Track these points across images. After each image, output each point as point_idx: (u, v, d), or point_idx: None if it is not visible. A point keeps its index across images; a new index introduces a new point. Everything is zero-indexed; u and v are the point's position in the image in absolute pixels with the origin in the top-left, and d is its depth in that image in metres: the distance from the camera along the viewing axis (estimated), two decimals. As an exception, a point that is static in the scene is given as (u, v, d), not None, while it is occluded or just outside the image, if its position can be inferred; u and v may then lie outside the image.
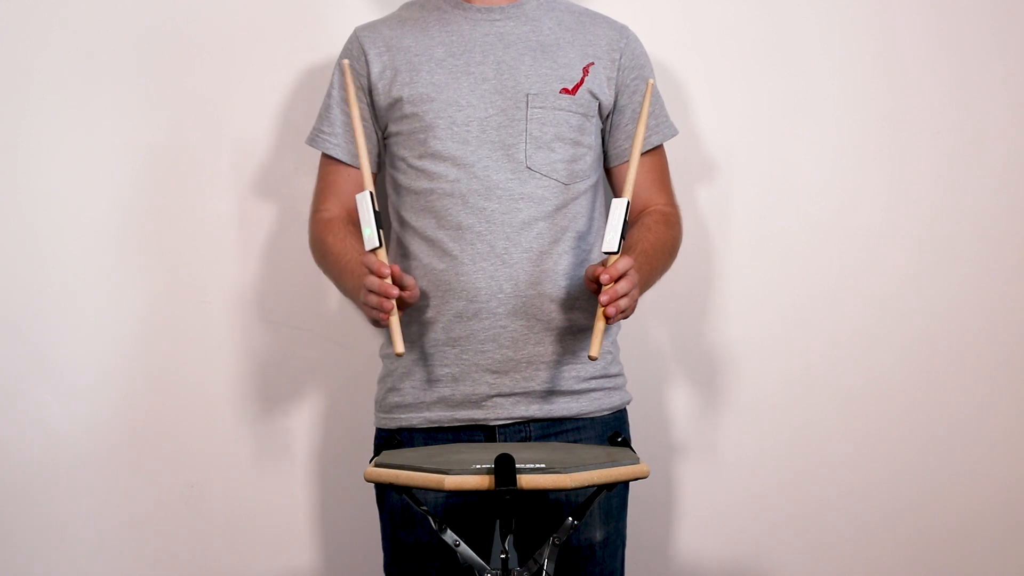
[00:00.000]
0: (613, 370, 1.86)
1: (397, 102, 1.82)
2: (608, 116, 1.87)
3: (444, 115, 1.79)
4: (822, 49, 2.13)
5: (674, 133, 1.94)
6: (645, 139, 1.87)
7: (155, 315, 2.08)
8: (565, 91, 1.81)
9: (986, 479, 2.15)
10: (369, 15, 1.99)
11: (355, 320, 2.06)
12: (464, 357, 1.77)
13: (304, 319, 2.09)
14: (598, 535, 1.81)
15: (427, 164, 1.80)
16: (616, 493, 1.82)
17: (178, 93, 2.07)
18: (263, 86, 2.07)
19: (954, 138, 2.14)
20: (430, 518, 1.53)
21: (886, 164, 2.14)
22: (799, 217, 2.13)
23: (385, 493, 1.83)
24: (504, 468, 1.42)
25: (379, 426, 1.87)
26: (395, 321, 1.65)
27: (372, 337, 2.07)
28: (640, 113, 1.76)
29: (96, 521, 2.08)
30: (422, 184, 1.80)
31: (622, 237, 1.67)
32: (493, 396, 1.77)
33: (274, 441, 2.10)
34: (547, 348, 1.78)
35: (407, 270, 1.80)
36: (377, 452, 1.79)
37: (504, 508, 1.46)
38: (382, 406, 1.86)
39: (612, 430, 1.82)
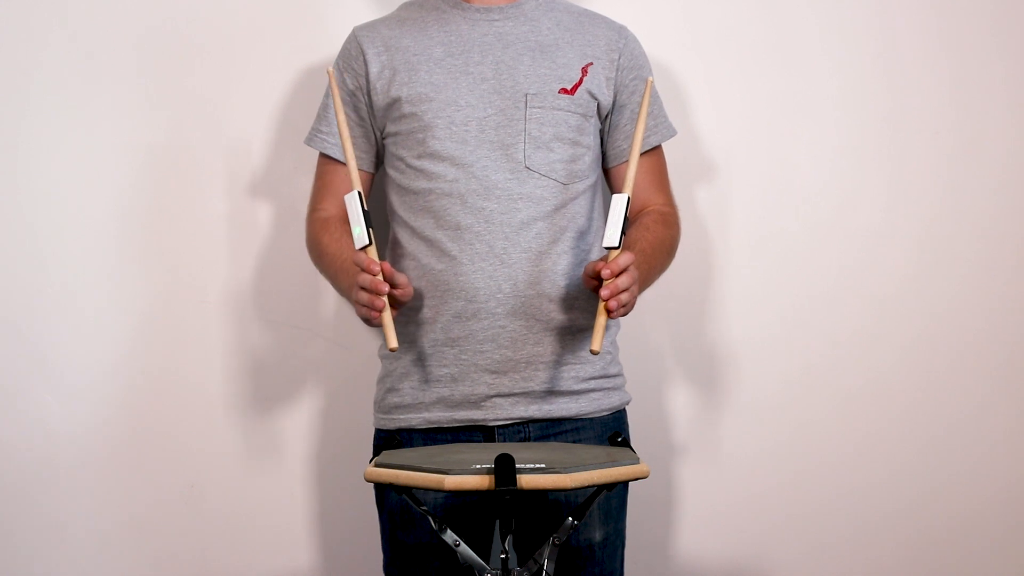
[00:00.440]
0: (612, 370, 1.86)
1: (395, 102, 1.82)
2: (607, 116, 1.87)
3: (443, 115, 1.79)
4: (822, 50, 2.13)
5: (673, 133, 1.94)
6: (644, 139, 1.87)
7: (155, 315, 2.08)
8: (564, 91, 1.81)
9: (986, 479, 2.15)
10: (368, 15, 1.99)
11: (354, 320, 2.05)
12: (463, 357, 1.77)
13: (304, 319, 2.09)
14: (598, 535, 1.81)
15: (426, 164, 1.80)
16: (616, 493, 1.81)
17: (178, 93, 2.07)
18: (263, 86, 2.07)
19: (954, 138, 2.14)
20: (430, 518, 1.53)
21: (885, 164, 2.14)
22: (798, 217, 2.13)
23: (385, 493, 1.83)
24: (504, 468, 1.42)
25: (378, 426, 1.87)
26: (387, 316, 1.65)
27: (371, 337, 2.07)
28: (639, 111, 1.76)
29: (96, 521, 2.08)
30: (421, 184, 1.80)
31: (623, 233, 1.67)
32: (492, 396, 1.77)
33: (274, 441, 2.10)
34: (546, 348, 1.78)
35: (405, 270, 1.80)
36: (376, 452, 1.79)
37: (504, 508, 1.45)
38: (381, 406, 1.86)
39: (612, 430, 1.81)
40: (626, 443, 1.76)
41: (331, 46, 1.95)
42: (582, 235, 1.81)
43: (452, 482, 1.42)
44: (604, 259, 1.68)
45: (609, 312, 1.64)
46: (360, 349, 2.08)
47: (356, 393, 2.05)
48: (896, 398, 2.15)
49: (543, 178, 1.79)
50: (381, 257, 1.74)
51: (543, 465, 1.45)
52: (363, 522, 2.01)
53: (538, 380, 1.78)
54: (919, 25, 2.14)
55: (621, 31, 1.89)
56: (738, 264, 2.13)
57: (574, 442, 1.80)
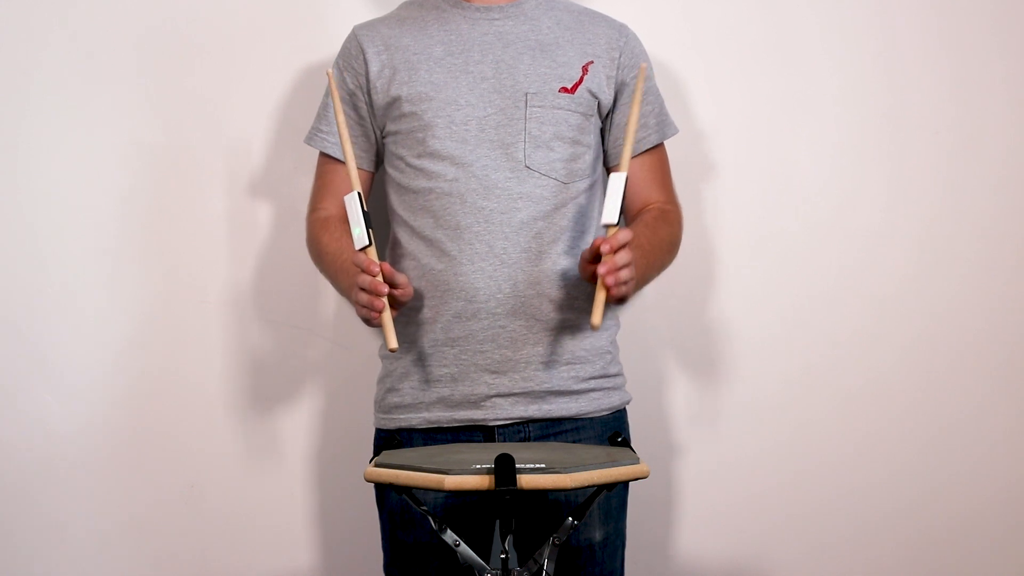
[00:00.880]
0: (612, 370, 1.86)
1: (395, 101, 1.82)
2: (607, 115, 1.87)
3: (443, 114, 1.79)
4: (822, 48, 2.13)
5: (675, 131, 1.94)
6: (646, 138, 1.87)
7: (155, 315, 2.08)
8: (564, 90, 1.81)
9: (986, 479, 2.15)
10: (368, 15, 1.99)
11: (354, 320, 2.05)
12: (463, 357, 1.77)
13: (304, 319, 2.09)
14: (598, 535, 1.81)
15: (425, 163, 1.79)
16: (616, 493, 1.81)
17: (178, 93, 2.07)
18: (262, 86, 2.07)
19: (954, 137, 2.14)
20: (430, 518, 1.53)
21: (886, 163, 2.14)
22: (799, 217, 2.13)
23: (385, 493, 1.83)
24: (504, 468, 1.42)
25: (378, 426, 1.87)
26: (387, 317, 1.65)
27: (371, 337, 2.07)
28: (634, 94, 1.73)
29: (96, 521, 2.08)
30: (420, 183, 1.80)
31: (621, 211, 1.66)
32: (492, 396, 1.77)
33: (274, 441, 2.10)
34: (546, 348, 1.78)
35: (405, 269, 1.80)
36: (377, 452, 1.79)
37: (504, 508, 1.45)
38: (381, 406, 1.86)
39: (612, 430, 1.81)
40: (626, 443, 1.76)
41: (331, 46, 1.95)
42: (583, 235, 1.81)
43: (452, 482, 1.42)
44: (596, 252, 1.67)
45: (608, 289, 1.63)
46: (360, 349, 2.08)
47: (356, 393, 2.05)
48: (896, 398, 2.15)
49: (543, 177, 1.79)
50: (381, 257, 1.74)
51: (543, 465, 1.45)
52: (363, 522, 2.01)
53: (538, 380, 1.78)
54: (919, 24, 2.14)
55: (622, 30, 1.89)
56: (738, 263, 2.13)
57: (574, 442, 1.79)
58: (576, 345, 1.80)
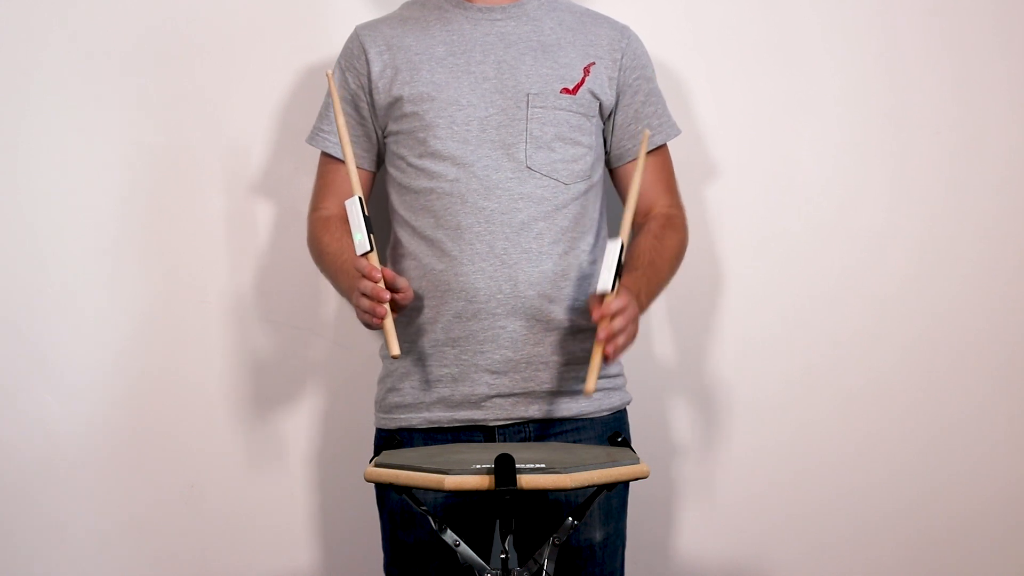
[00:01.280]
0: (613, 370, 1.86)
1: (397, 101, 1.82)
2: (610, 116, 1.87)
3: (444, 114, 1.79)
4: (824, 49, 2.13)
5: (677, 132, 1.94)
6: (649, 139, 1.87)
7: (155, 315, 2.08)
8: (566, 91, 1.81)
9: (986, 479, 2.15)
10: (369, 15, 1.99)
11: (355, 320, 2.04)
12: (463, 357, 1.77)
13: (304, 319, 2.09)
14: (598, 535, 1.81)
15: (427, 163, 1.79)
16: (616, 493, 1.81)
17: (178, 93, 2.07)
18: (263, 86, 2.07)
19: (956, 137, 2.14)
20: (430, 518, 1.53)
21: (887, 163, 2.14)
22: (800, 217, 2.13)
23: (385, 493, 1.83)
24: (504, 468, 1.42)
25: (379, 426, 1.87)
26: (389, 323, 1.65)
27: (372, 337, 2.07)
28: (637, 161, 1.74)
29: (96, 521, 2.08)
30: (421, 183, 1.80)
31: (617, 277, 1.66)
32: (492, 396, 1.77)
33: (274, 441, 2.10)
34: (546, 348, 1.78)
35: (406, 270, 1.80)
36: (377, 452, 1.79)
37: (504, 508, 1.45)
38: (382, 406, 1.86)
39: (612, 430, 1.81)
40: (626, 443, 1.76)
41: (331, 46, 1.95)
42: (583, 235, 1.81)
43: (452, 482, 1.42)
44: (600, 299, 1.67)
45: (606, 358, 1.65)
46: (361, 349, 2.08)
47: (357, 393, 2.05)
48: (897, 398, 2.15)
49: (544, 178, 1.79)
50: (382, 259, 1.74)
51: (543, 465, 1.45)
52: (363, 522, 2.01)
53: (538, 380, 1.78)
54: (921, 24, 2.14)
55: (624, 31, 1.89)
56: (740, 264, 2.13)
57: (574, 442, 1.79)
58: (576, 345, 1.80)
